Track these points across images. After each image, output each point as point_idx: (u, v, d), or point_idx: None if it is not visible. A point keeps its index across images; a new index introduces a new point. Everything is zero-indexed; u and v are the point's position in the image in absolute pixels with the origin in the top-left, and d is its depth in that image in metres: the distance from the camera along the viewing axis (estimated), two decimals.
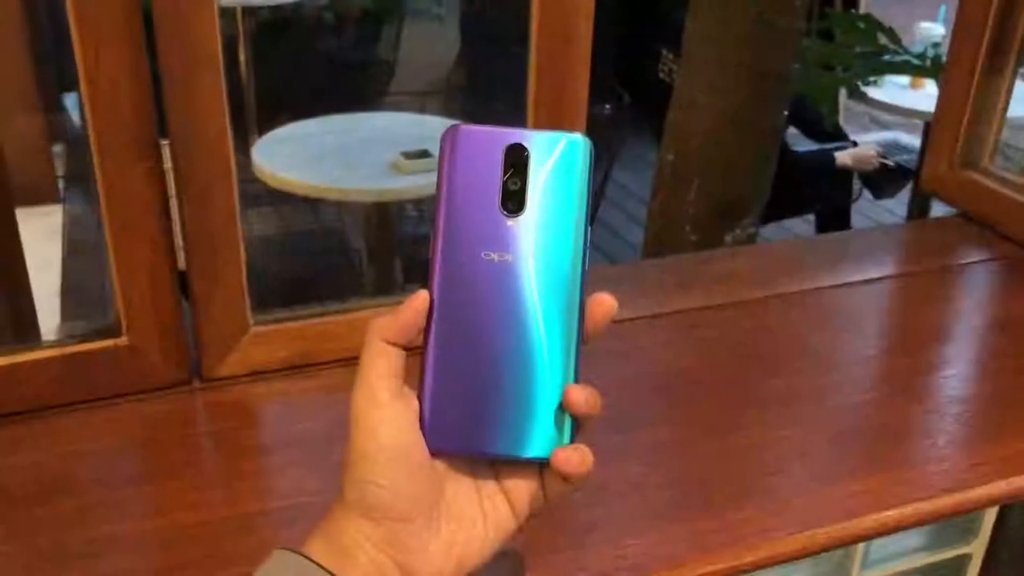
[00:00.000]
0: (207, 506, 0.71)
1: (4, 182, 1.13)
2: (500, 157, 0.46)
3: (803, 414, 0.83)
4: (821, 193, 3.14)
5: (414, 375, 0.46)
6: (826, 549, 0.70)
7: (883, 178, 3.16)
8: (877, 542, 0.84)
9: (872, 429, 0.82)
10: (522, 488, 0.48)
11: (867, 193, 3.32)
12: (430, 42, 3.84)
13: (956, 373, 0.90)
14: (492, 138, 0.46)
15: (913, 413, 0.84)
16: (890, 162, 3.09)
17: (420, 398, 0.46)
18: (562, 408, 0.46)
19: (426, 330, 0.46)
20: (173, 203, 0.77)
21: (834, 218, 3.21)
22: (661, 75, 3.41)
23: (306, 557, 0.45)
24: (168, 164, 0.76)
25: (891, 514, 0.71)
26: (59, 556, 0.65)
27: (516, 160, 0.46)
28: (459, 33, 3.78)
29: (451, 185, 0.46)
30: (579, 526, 0.69)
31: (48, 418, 0.78)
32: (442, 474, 0.47)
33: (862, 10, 4.11)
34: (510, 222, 0.46)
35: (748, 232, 1.95)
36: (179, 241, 0.79)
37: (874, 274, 1.09)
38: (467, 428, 0.46)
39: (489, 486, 0.48)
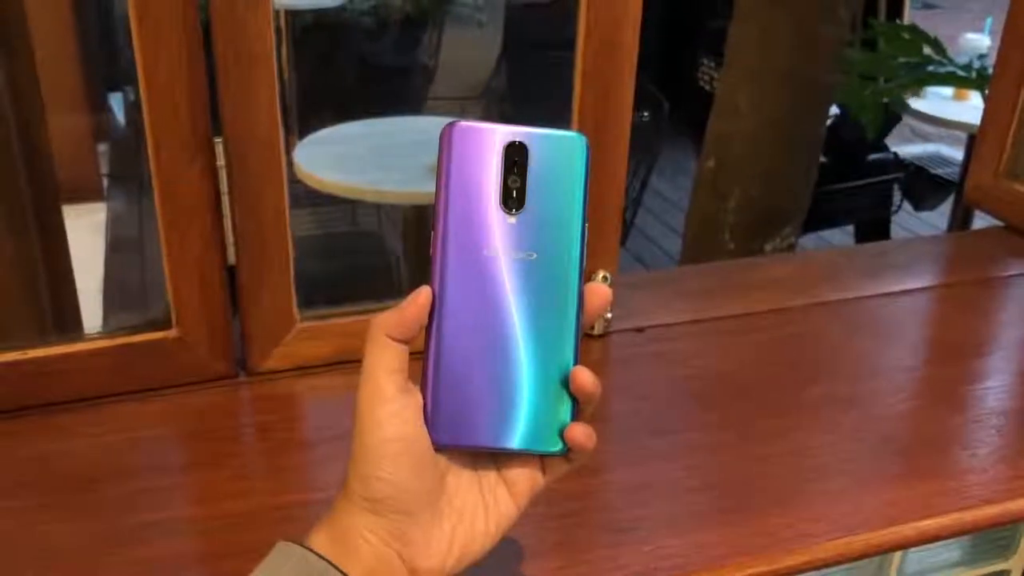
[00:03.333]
0: (251, 496, 0.72)
1: (52, 180, 1.16)
2: (500, 155, 0.47)
3: (843, 421, 0.83)
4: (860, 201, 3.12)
5: (417, 373, 0.47)
6: (864, 556, 0.70)
7: (924, 189, 3.14)
8: (913, 556, 0.83)
9: (912, 438, 0.82)
10: (523, 477, 0.49)
11: (907, 205, 3.29)
12: (470, 47, 3.86)
13: (998, 385, 0.89)
14: (491, 135, 0.47)
15: (954, 423, 0.83)
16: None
17: (423, 393, 0.47)
18: (564, 399, 0.48)
19: (428, 326, 0.47)
20: (224, 200, 0.79)
21: (873, 229, 3.18)
22: (701, 83, 3.40)
23: (309, 549, 0.46)
24: (221, 161, 0.78)
25: (931, 523, 0.71)
26: (111, 540, 0.67)
27: (516, 158, 0.47)
28: (500, 38, 3.80)
29: (451, 182, 0.47)
30: (618, 525, 0.69)
31: (100, 407, 0.80)
32: (444, 467, 0.48)
33: (906, 21, 4.07)
34: (510, 219, 0.47)
35: (788, 242, 1.95)
36: (229, 237, 0.81)
37: (916, 284, 1.08)
38: (471, 422, 0.47)
39: (490, 477, 0.49)
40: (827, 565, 0.68)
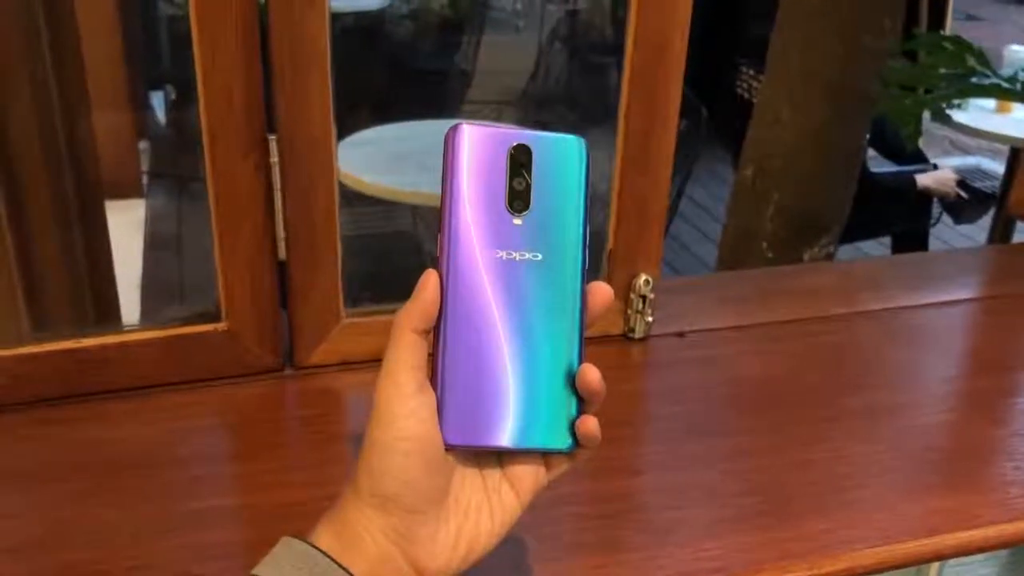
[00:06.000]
0: (296, 486, 0.73)
1: (96, 176, 1.18)
2: (505, 157, 0.48)
3: (884, 430, 0.83)
4: (899, 215, 3.09)
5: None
6: (906, 565, 0.70)
7: (964, 203, 3.11)
8: (949, 570, 0.83)
9: (953, 449, 0.81)
10: (526, 474, 0.49)
11: (946, 218, 3.25)
12: (508, 52, 3.88)
13: None
14: (496, 138, 0.48)
15: (995, 435, 0.83)
16: (964, 195, 3.04)
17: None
18: (571, 397, 0.48)
19: (437, 328, 0.48)
20: (276, 196, 0.80)
21: (911, 241, 3.15)
22: (739, 91, 3.39)
23: (312, 545, 0.46)
24: (274, 159, 0.79)
25: (974, 534, 0.70)
26: (161, 526, 0.68)
27: (521, 160, 0.48)
28: (537, 43, 3.81)
29: (458, 184, 0.47)
30: (658, 527, 0.70)
31: (150, 396, 0.82)
32: (451, 466, 0.48)
33: (948, 32, 4.03)
34: (516, 220, 0.48)
35: (826, 251, 1.94)
36: (279, 233, 0.82)
37: (957, 296, 1.08)
38: (481, 422, 0.48)
39: (494, 475, 0.49)
40: (867, 572, 0.68)
